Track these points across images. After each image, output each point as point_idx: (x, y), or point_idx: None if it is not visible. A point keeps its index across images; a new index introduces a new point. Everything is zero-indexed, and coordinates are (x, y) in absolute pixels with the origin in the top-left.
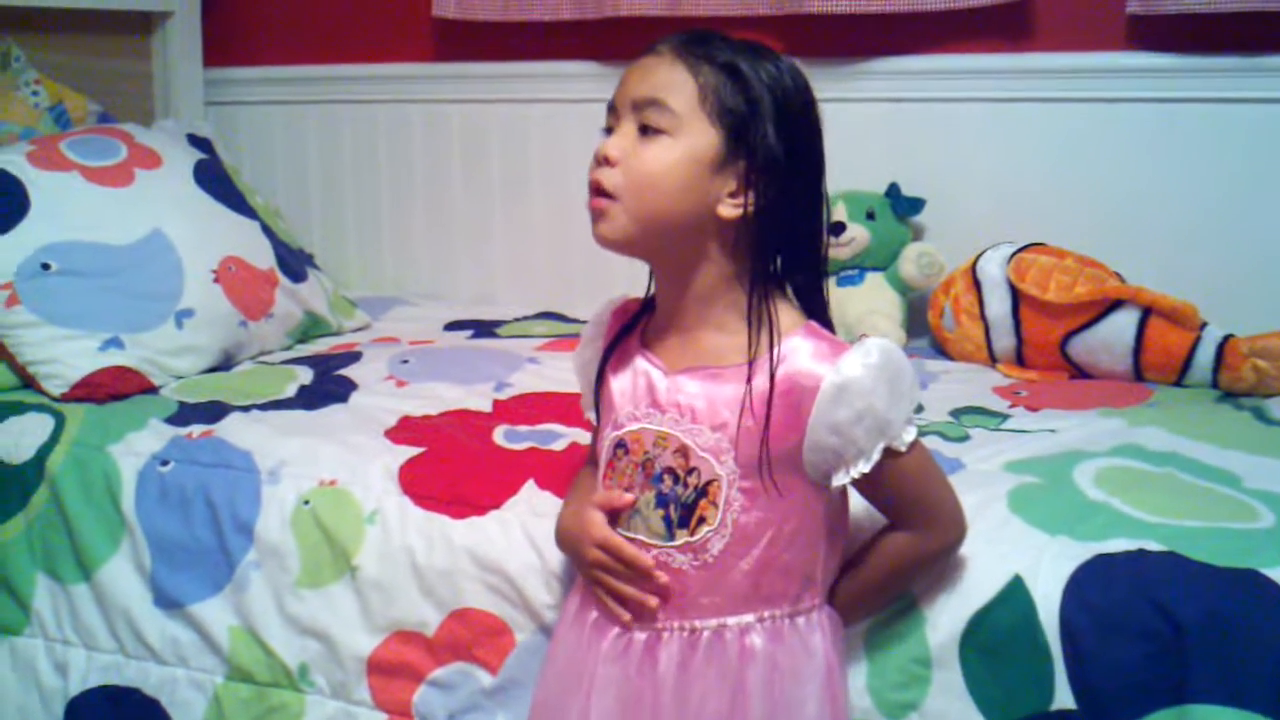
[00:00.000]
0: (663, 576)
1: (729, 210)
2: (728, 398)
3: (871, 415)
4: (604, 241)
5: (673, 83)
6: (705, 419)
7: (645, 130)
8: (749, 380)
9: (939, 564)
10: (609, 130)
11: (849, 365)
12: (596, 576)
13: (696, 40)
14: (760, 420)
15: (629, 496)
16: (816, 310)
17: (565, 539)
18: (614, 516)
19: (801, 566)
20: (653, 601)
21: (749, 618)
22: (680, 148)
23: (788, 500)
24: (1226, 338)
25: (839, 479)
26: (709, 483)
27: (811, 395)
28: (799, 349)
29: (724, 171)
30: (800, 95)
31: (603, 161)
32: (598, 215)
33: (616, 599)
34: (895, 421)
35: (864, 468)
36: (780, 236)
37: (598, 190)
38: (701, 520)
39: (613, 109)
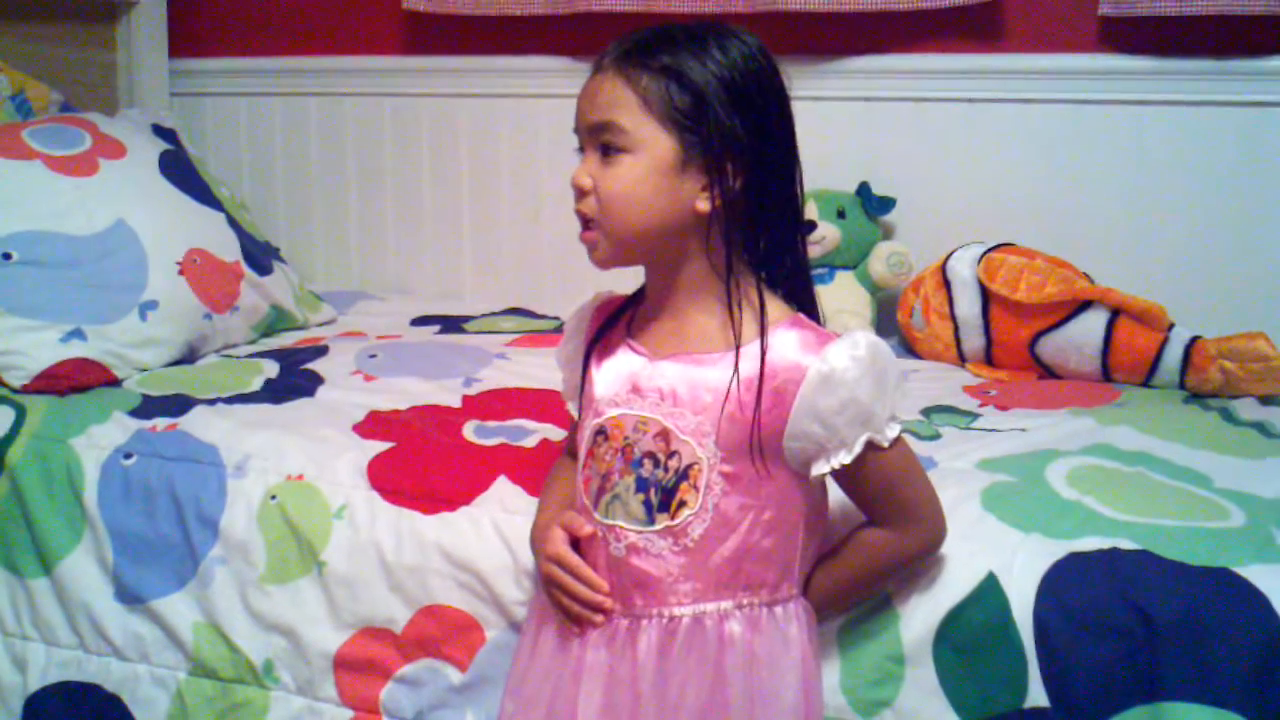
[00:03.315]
0: (609, 602)
1: (705, 204)
2: (710, 382)
3: (855, 405)
4: (601, 267)
5: (616, 100)
6: (687, 403)
7: (606, 151)
8: (735, 366)
9: (915, 564)
10: (582, 150)
11: (835, 355)
12: (549, 590)
13: (634, 48)
14: (748, 405)
15: (590, 529)
16: (805, 303)
17: (532, 547)
18: (595, 501)
19: (781, 555)
20: (598, 619)
21: (728, 604)
22: (641, 163)
23: (768, 487)
24: (1194, 339)
25: (819, 468)
26: (690, 466)
27: (796, 383)
28: (786, 339)
29: (690, 169)
30: (752, 66)
31: (577, 193)
32: (588, 248)
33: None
34: (879, 415)
35: (845, 459)
36: (762, 214)
37: (583, 222)
38: (682, 504)
39: (577, 133)
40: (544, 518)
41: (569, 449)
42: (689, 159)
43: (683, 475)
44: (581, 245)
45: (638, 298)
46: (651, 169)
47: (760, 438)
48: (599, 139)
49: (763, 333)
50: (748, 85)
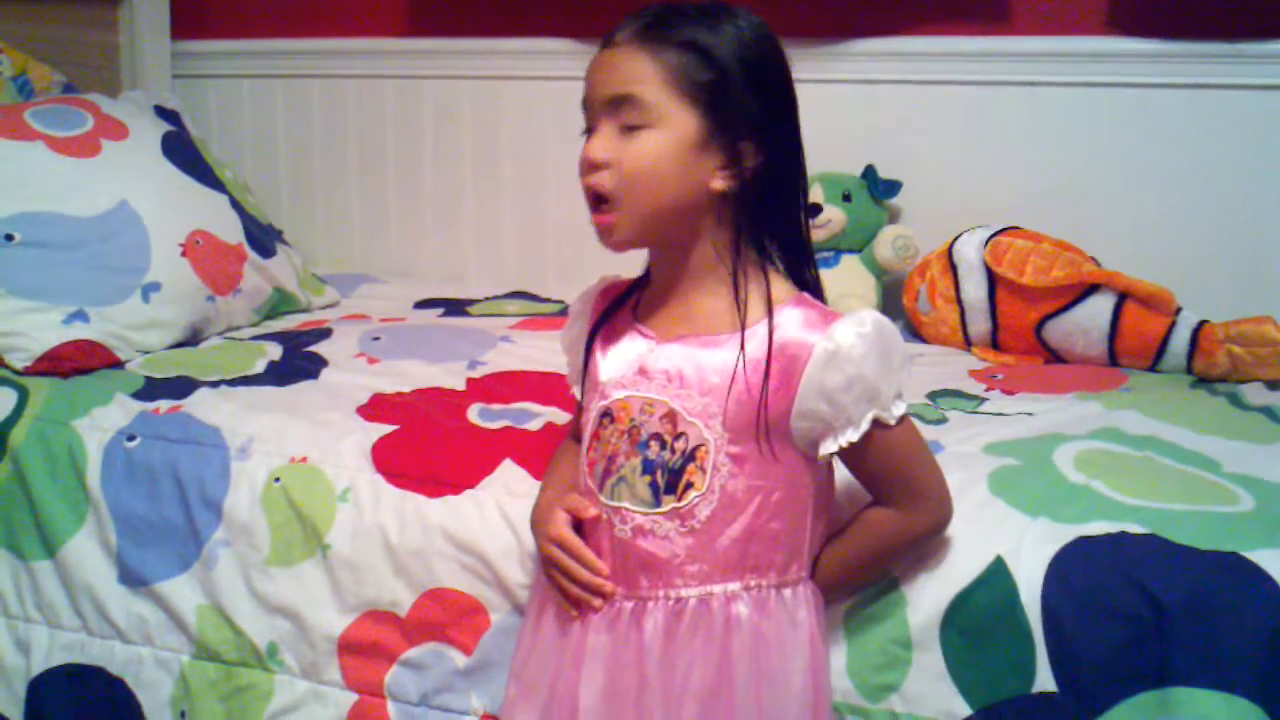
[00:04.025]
0: (609, 586)
1: (721, 183)
2: (717, 363)
3: (862, 383)
4: (616, 250)
5: (638, 74)
6: (694, 384)
7: (626, 128)
8: (742, 346)
9: (922, 545)
10: (589, 130)
11: (842, 332)
12: (549, 572)
13: (652, 23)
14: (755, 386)
15: (594, 511)
16: (808, 283)
17: (533, 528)
18: (601, 483)
19: (789, 537)
20: (597, 603)
21: (735, 586)
22: (664, 137)
23: (776, 468)
24: (1201, 323)
25: (827, 447)
26: (697, 447)
27: (803, 362)
28: (791, 317)
29: (710, 147)
30: (764, 46)
31: (591, 166)
32: (602, 231)
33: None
34: (885, 392)
35: (852, 436)
36: (771, 194)
37: (596, 198)
38: (689, 486)
39: (588, 108)
40: (546, 498)
41: (573, 433)
42: (710, 136)
43: (690, 457)
44: (585, 228)
45: (642, 281)
46: (675, 144)
47: (767, 418)
48: (618, 114)
49: (769, 313)
50: (763, 64)
